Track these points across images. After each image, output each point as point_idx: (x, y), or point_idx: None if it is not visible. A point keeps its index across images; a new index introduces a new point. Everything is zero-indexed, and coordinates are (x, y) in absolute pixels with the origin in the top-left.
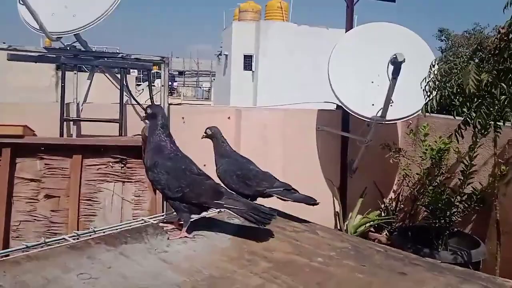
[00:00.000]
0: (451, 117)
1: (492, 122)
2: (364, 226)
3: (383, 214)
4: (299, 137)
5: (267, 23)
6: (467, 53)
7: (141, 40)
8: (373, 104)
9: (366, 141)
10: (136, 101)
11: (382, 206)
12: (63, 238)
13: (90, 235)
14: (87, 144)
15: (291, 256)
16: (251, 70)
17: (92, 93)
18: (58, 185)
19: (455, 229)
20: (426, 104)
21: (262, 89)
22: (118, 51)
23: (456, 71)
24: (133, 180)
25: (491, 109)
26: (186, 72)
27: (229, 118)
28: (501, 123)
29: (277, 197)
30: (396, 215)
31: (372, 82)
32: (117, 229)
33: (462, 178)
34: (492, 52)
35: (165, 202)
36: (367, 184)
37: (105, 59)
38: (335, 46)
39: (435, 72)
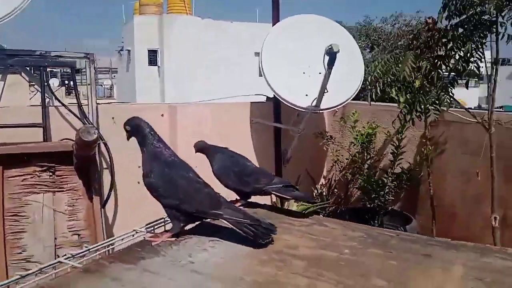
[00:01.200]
0: (375, 103)
1: (432, 107)
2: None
3: (317, 200)
4: (234, 131)
5: (171, 17)
6: (404, 43)
7: (29, 36)
8: (306, 95)
9: (299, 131)
10: (60, 102)
11: (315, 192)
12: (59, 262)
13: (84, 255)
14: (7, 153)
15: (318, 251)
16: (156, 65)
17: (6, 96)
18: None
19: (389, 208)
20: (371, 92)
21: (170, 84)
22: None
23: (395, 60)
24: (64, 189)
25: (430, 94)
26: (83, 70)
27: (162, 115)
28: (438, 107)
29: (275, 195)
30: (329, 200)
31: (304, 73)
32: (111, 245)
33: (392, 159)
34: (427, 41)
35: (102, 210)
36: (301, 172)
37: (22, 57)
38: (265, 39)
39: (379, 62)
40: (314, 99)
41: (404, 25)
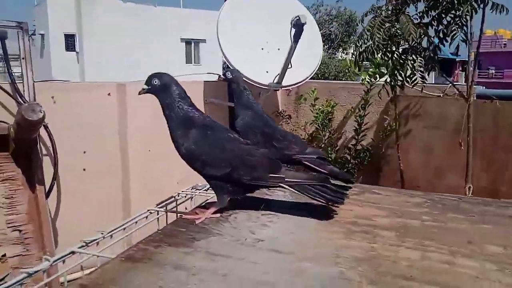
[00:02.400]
0: (332, 81)
1: (419, 73)
2: None
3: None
4: None
5: (89, 0)
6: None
7: None
8: (267, 71)
9: None
10: None
11: None
12: (72, 252)
13: (97, 242)
14: None
15: (395, 219)
16: (75, 51)
17: None
18: None
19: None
20: (358, 55)
21: (90, 70)
22: None
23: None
24: (0, 179)
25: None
26: None
27: (109, 94)
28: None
29: (307, 166)
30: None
31: (262, 49)
32: (124, 228)
33: (356, 136)
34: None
35: (47, 201)
36: None
37: None
38: (220, 15)
39: (370, 26)
40: (276, 76)
41: (325, 14)
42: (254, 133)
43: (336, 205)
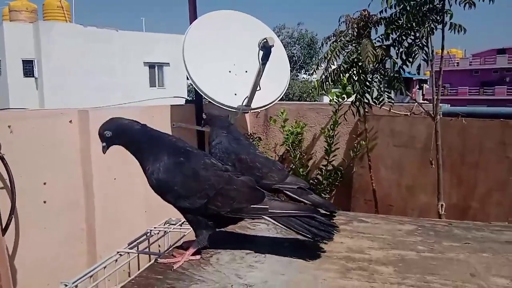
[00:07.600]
0: (300, 102)
1: (386, 94)
2: None
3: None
4: None
5: (48, 24)
6: (350, 32)
7: None
8: (235, 94)
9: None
10: None
11: None
12: None
13: None
14: None
15: (390, 252)
16: (33, 76)
17: None
18: None
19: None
20: (322, 82)
21: (50, 96)
22: None
23: (350, 48)
24: None
25: (383, 81)
26: None
27: (70, 122)
28: (390, 95)
29: (287, 195)
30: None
31: (230, 71)
32: (91, 275)
33: (326, 156)
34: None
35: (4, 237)
36: None
37: None
38: (185, 38)
39: (330, 50)
40: (245, 98)
41: (287, 36)
42: (230, 159)
43: (324, 241)
